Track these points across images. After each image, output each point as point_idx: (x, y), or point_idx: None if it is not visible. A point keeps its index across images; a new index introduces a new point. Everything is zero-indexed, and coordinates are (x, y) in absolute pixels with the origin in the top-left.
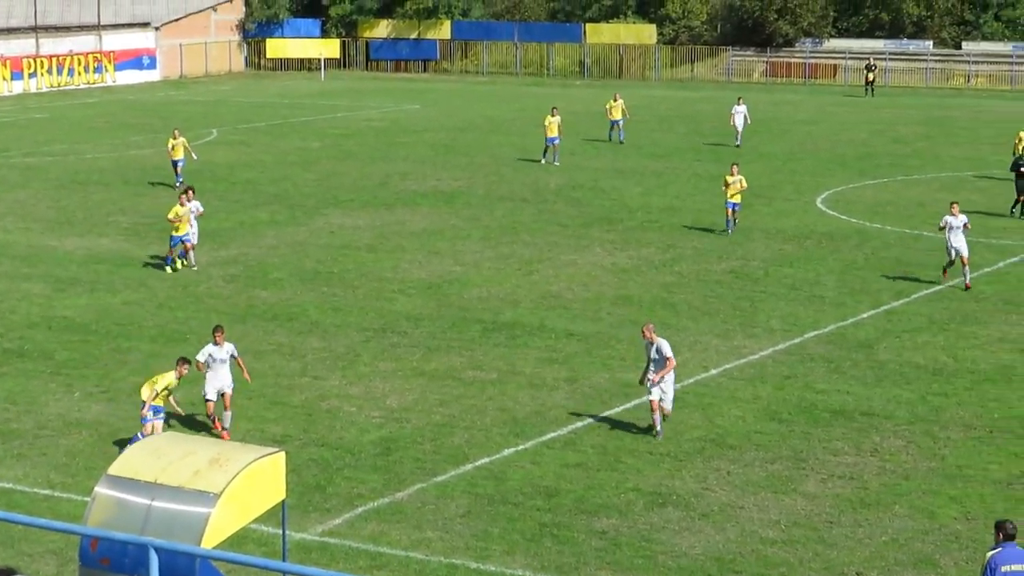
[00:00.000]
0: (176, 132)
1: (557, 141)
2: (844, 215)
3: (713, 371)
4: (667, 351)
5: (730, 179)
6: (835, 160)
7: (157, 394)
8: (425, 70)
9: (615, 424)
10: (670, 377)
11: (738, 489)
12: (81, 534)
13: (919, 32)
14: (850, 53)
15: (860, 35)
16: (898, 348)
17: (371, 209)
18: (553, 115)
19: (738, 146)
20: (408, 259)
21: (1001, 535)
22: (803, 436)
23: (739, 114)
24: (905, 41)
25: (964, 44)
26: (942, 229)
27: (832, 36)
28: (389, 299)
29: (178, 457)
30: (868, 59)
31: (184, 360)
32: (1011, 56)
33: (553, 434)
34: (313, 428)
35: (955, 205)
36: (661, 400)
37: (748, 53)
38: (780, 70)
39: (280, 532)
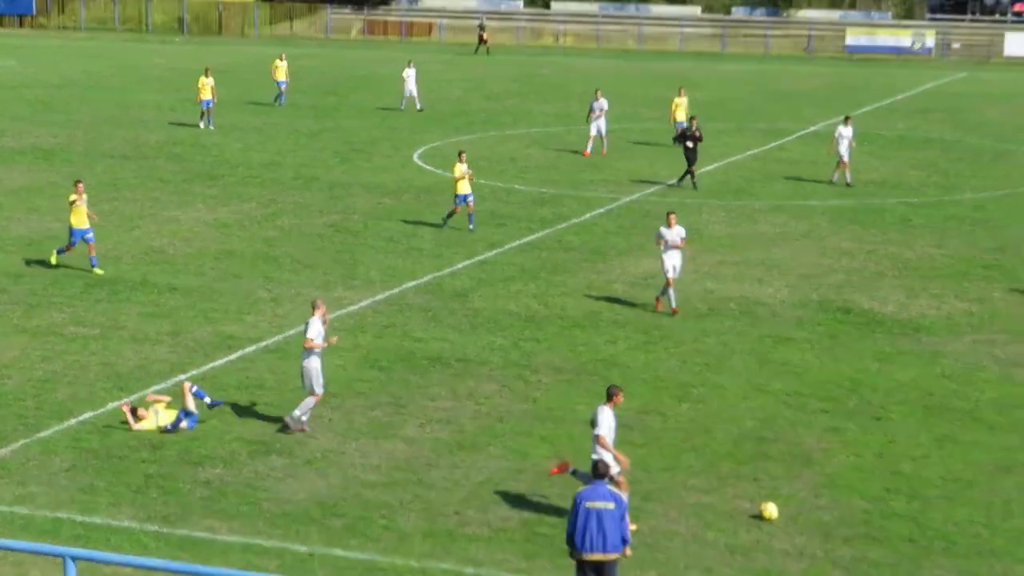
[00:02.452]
0: None
1: (211, 104)
2: (440, 170)
3: None
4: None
5: (463, 168)
6: (431, 117)
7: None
8: (21, 26)
9: (218, 376)
10: None
11: (340, 436)
12: None
13: None
14: (445, 12)
15: None
16: (492, 297)
17: None
18: (207, 76)
19: (420, 109)
20: (6, 216)
21: (593, 474)
22: (402, 383)
23: (410, 78)
24: (497, 0)
25: (553, 4)
26: (658, 244)
27: None
28: None
29: None
30: (480, 19)
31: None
32: (597, 16)
33: (157, 387)
34: None
35: (672, 215)
36: None
37: (346, 11)
38: (377, 28)
39: None
